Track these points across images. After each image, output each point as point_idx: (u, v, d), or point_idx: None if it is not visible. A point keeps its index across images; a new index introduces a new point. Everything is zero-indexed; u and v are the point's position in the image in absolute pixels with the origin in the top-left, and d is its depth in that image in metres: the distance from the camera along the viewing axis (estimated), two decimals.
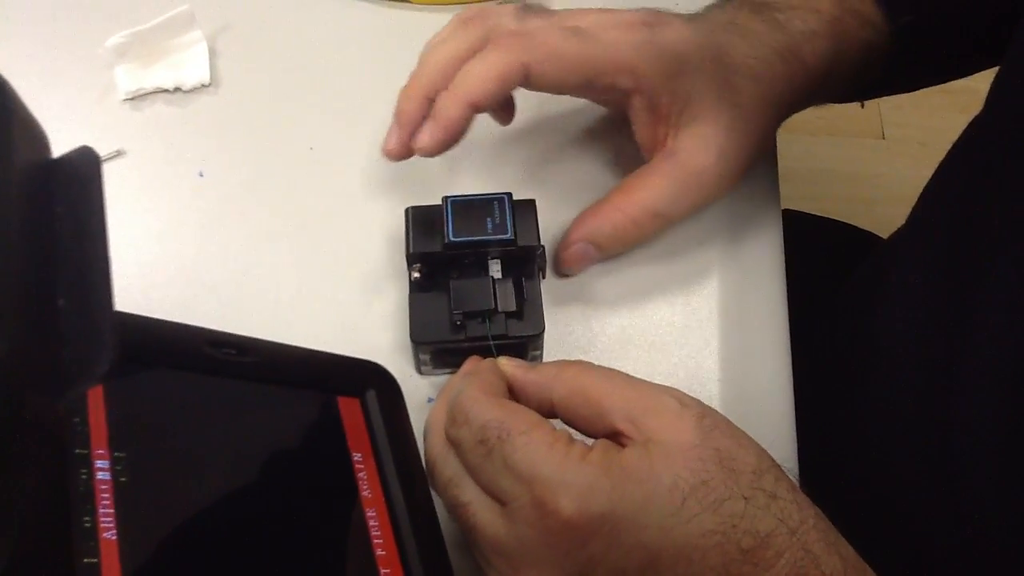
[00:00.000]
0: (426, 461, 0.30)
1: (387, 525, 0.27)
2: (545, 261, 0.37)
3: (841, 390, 0.47)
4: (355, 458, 0.28)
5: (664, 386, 0.29)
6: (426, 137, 0.34)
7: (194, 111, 0.45)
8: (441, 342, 0.34)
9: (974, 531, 0.34)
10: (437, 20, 0.39)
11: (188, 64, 0.46)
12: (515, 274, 0.35)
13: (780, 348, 0.38)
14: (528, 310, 0.35)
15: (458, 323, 0.34)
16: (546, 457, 0.26)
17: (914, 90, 0.47)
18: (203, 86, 0.45)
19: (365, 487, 0.27)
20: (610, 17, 0.36)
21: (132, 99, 0.45)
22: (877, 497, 0.41)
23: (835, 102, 0.43)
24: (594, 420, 0.29)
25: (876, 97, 0.46)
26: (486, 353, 0.33)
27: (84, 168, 0.16)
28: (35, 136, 0.16)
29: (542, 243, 0.36)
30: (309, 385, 0.28)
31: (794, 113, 0.41)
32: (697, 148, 0.37)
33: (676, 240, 0.40)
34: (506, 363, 0.32)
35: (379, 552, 0.26)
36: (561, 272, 0.38)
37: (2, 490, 0.17)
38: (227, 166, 0.43)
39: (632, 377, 0.29)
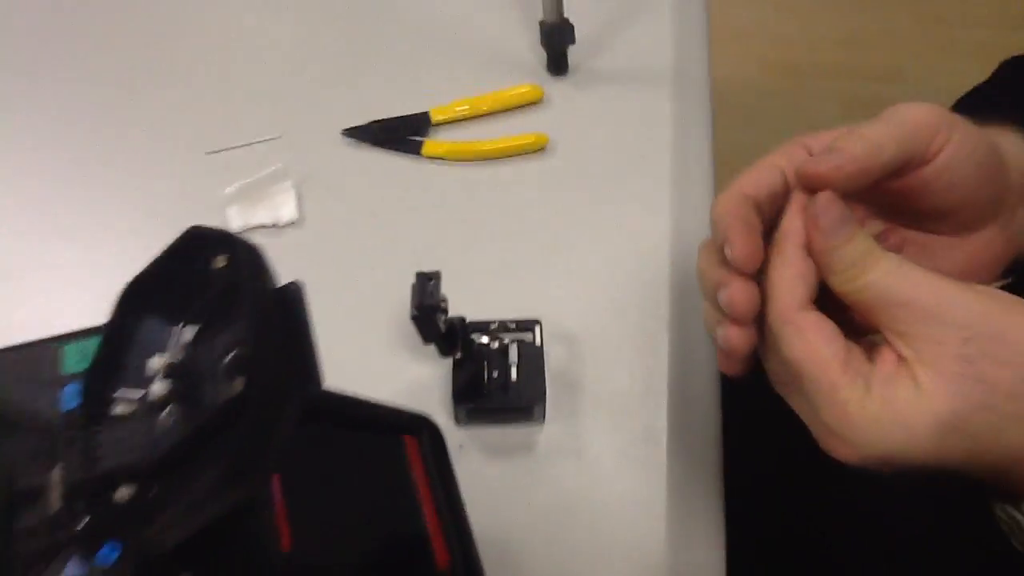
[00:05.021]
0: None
1: (434, 513, 0.41)
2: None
3: None
4: (415, 475, 0.42)
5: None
6: None
7: (286, 242, 0.61)
8: (478, 401, 0.49)
9: None
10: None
11: (282, 206, 0.62)
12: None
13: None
14: (532, 376, 0.50)
15: (485, 392, 0.49)
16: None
17: None
18: (292, 223, 0.61)
19: (422, 494, 0.41)
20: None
21: (241, 233, 0.61)
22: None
23: None
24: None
25: None
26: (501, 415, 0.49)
27: (295, 293, 0.31)
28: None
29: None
30: (387, 424, 0.43)
31: None
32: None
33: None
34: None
35: (431, 532, 0.40)
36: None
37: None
38: (312, 286, 0.58)
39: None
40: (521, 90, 0.66)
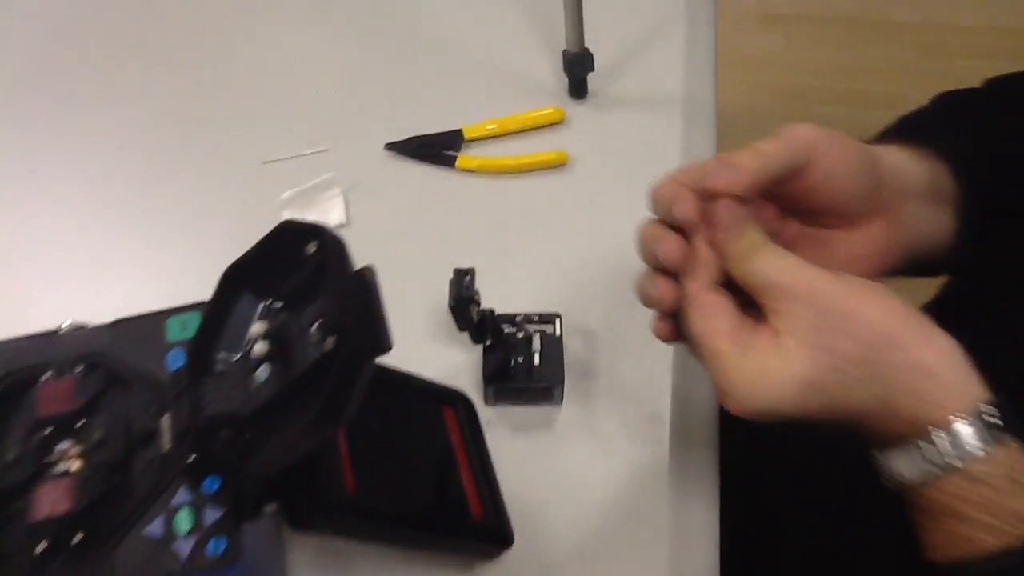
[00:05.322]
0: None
1: (469, 473, 0.48)
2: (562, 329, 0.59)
3: None
4: (453, 440, 0.49)
5: None
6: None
7: None
8: (505, 382, 0.56)
9: None
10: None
11: (331, 211, 0.69)
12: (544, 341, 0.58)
13: None
14: (552, 363, 0.57)
15: (511, 375, 0.56)
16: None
17: None
18: (341, 225, 0.69)
19: (458, 456, 0.49)
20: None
21: None
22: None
23: None
24: None
25: None
26: (525, 395, 0.55)
27: (371, 274, 0.38)
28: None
29: (559, 318, 0.58)
30: (430, 396, 0.50)
31: None
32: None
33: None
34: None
35: (467, 488, 0.48)
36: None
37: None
38: None
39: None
40: (545, 112, 0.74)
